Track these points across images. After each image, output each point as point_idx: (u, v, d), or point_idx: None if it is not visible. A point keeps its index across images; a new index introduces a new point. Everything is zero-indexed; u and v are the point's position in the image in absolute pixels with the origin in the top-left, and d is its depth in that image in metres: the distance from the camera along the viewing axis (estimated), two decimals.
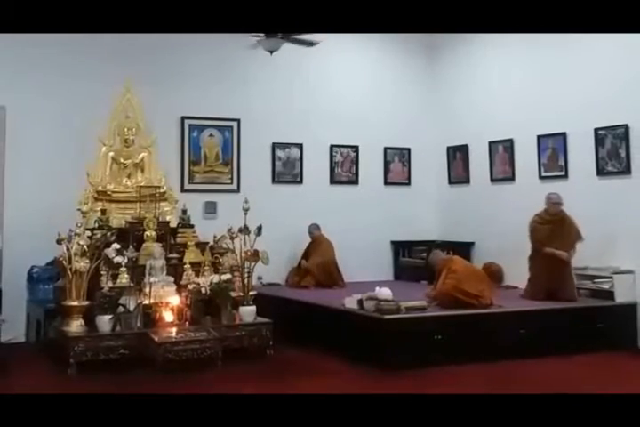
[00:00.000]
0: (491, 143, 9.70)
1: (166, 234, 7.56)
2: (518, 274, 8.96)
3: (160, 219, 7.64)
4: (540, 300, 7.70)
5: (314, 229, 9.60)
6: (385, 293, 7.06)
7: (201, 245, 7.64)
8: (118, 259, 7.02)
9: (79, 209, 7.61)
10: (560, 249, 7.69)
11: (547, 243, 7.78)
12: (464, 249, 9.53)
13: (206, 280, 7.17)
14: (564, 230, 7.78)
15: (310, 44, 8.59)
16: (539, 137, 8.97)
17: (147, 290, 6.98)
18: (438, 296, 7.31)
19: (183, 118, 9.38)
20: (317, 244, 9.57)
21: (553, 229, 7.82)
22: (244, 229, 7.34)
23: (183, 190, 9.14)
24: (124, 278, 7.02)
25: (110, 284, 6.93)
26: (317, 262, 9.40)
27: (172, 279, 7.23)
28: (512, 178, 9.44)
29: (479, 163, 9.91)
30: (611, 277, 7.69)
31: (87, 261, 6.89)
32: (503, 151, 9.56)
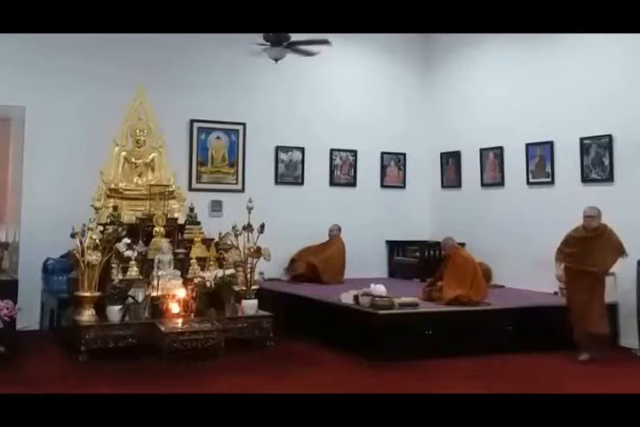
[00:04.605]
0: (482, 150, 9.72)
1: (174, 230, 7.56)
2: (505, 274, 9.03)
3: (168, 216, 7.63)
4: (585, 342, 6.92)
5: (336, 230, 9.69)
6: (379, 289, 7.07)
7: (207, 242, 7.63)
8: (128, 253, 7.03)
9: (92, 205, 7.65)
10: (595, 267, 6.83)
11: (581, 260, 6.89)
12: None
13: (211, 275, 7.18)
14: (601, 246, 6.87)
15: (312, 53, 8.56)
16: (527, 145, 8.98)
17: (155, 283, 6.98)
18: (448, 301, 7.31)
19: (192, 121, 9.38)
20: (332, 243, 9.65)
21: (588, 245, 6.90)
22: (248, 227, 7.33)
23: (191, 189, 9.14)
24: (133, 271, 7.03)
25: (120, 276, 6.95)
26: (326, 257, 9.47)
27: (178, 273, 7.23)
28: (501, 183, 9.45)
29: (470, 168, 9.93)
30: None
31: (99, 254, 6.89)
32: (493, 158, 9.58)
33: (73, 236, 7.00)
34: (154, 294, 6.93)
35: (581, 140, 8.23)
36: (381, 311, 6.83)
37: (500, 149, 9.43)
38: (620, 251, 6.85)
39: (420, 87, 10.70)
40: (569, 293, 7.08)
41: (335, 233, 9.68)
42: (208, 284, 7.10)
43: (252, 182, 9.52)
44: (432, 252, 9.67)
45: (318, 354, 7.08)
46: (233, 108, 9.51)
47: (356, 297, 7.19)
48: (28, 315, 7.48)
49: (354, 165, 10.31)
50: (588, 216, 6.92)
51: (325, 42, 8.29)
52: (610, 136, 7.92)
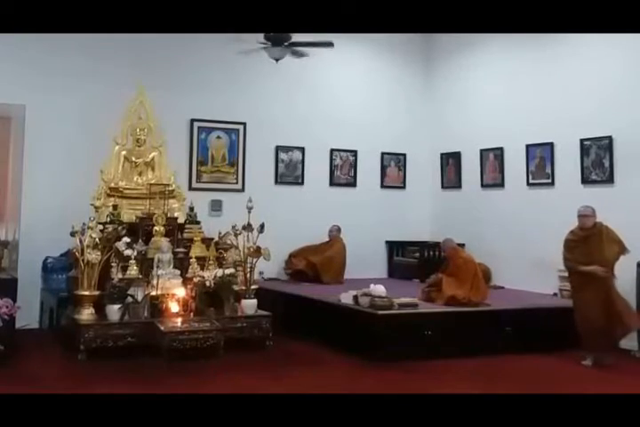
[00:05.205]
0: (482, 151, 9.72)
1: (174, 229, 7.57)
2: (505, 275, 9.03)
3: (168, 215, 7.64)
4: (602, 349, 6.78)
5: (335, 231, 9.70)
6: (379, 289, 7.07)
7: (206, 241, 7.64)
8: (128, 252, 7.04)
9: (92, 204, 7.70)
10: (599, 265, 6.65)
11: (583, 261, 6.71)
12: None
13: (211, 274, 7.18)
14: (600, 244, 6.70)
15: (305, 55, 8.54)
16: (527, 146, 8.99)
17: (154, 282, 6.98)
18: (447, 301, 7.31)
19: (192, 121, 9.39)
20: (333, 243, 9.67)
21: (589, 246, 6.73)
22: (248, 227, 7.33)
23: (191, 189, 9.14)
24: (133, 270, 7.04)
25: (120, 275, 6.96)
26: (327, 257, 9.50)
27: (178, 272, 7.24)
28: (501, 184, 9.46)
29: (471, 169, 9.93)
30: None
31: (99, 253, 6.90)
32: (493, 159, 9.58)
33: (73, 234, 7.02)
34: (153, 293, 6.93)
35: (581, 141, 8.23)
36: (381, 312, 6.84)
37: (501, 149, 9.44)
38: (620, 246, 6.73)
39: (421, 87, 10.71)
40: (580, 298, 6.86)
41: (335, 233, 9.70)
42: (207, 283, 7.11)
43: (252, 182, 9.53)
44: (432, 252, 9.67)
45: (318, 354, 7.08)
46: (233, 108, 9.51)
47: (355, 297, 7.20)
48: (28, 313, 7.48)
49: (354, 166, 10.31)
50: (582, 215, 6.80)
51: (329, 44, 8.31)
52: (610, 137, 7.93)
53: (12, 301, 6.63)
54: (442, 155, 10.45)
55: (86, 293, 6.89)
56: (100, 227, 7.14)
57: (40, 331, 7.91)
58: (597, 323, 6.65)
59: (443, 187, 10.48)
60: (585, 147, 8.21)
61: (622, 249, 6.75)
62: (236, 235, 7.37)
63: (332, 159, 10.20)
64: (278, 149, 9.87)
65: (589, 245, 6.75)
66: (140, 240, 7.33)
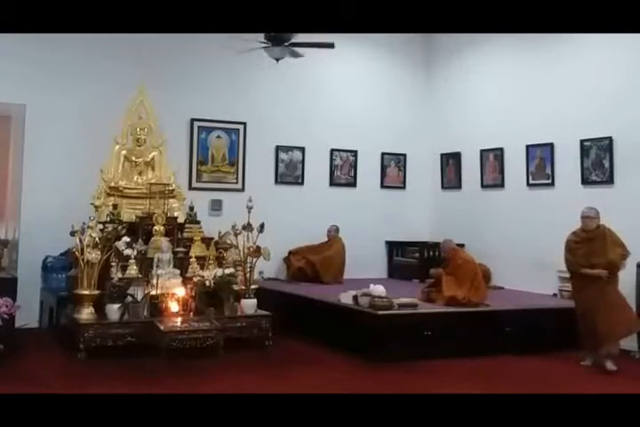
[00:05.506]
0: (482, 151, 9.72)
1: (174, 229, 7.57)
2: (505, 275, 9.03)
3: (168, 214, 7.65)
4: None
5: (334, 231, 9.71)
6: (379, 289, 7.07)
7: (206, 241, 7.65)
8: (128, 251, 7.04)
9: (92, 203, 7.70)
10: (601, 266, 6.57)
11: (585, 263, 6.64)
12: None
13: (211, 274, 7.18)
14: (603, 246, 6.62)
15: (329, 45, 8.47)
16: (527, 147, 8.99)
17: (154, 281, 6.99)
18: (447, 302, 7.31)
19: (193, 120, 9.39)
20: (332, 243, 9.68)
21: (592, 248, 6.65)
22: (248, 227, 7.33)
23: (191, 188, 9.14)
24: (132, 270, 7.04)
25: (120, 275, 6.96)
26: (326, 257, 9.51)
27: (178, 272, 7.24)
28: (501, 184, 9.46)
29: (471, 169, 9.93)
30: None
31: (98, 252, 6.90)
32: (494, 159, 9.58)
33: (72, 234, 7.03)
34: (153, 292, 6.94)
35: (582, 142, 8.23)
36: (380, 312, 6.83)
37: (501, 150, 9.44)
38: (623, 249, 6.67)
39: (421, 88, 10.71)
40: (581, 299, 6.81)
41: (333, 234, 9.69)
42: (207, 283, 7.11)
43: (252, 182, 9.53)
44: (431, 253, 9.67)
45: (317, 354, 7.08)
46: (233, 108, 9.52)
47: (355, 297, 7.19)
48: (27, 313, 7.46)
49: (354, 166, 10.31)
50: (586, 217, 6.71)
51: (330, 45, 8.30)
52: (610, 138, 7.93)
53: (12, 300, 6.62)
54: (442, 155, 10.45)
55: (86, 292, 6.89)
56: (100, 226, 7.14)
57: (40, 330, 7.91)
58: (598, 324, 6.61)
59: (443, 187, 10.48)
60: (585, 147, 8.21)
61: (625, 252, 6.71)
62: (235, 235, 7.37)
63: (332, 159, 10.20)
64: (278, 148, 9.87)
65: (592, 248, 6.69)
66: (140, 240, 7.33)
